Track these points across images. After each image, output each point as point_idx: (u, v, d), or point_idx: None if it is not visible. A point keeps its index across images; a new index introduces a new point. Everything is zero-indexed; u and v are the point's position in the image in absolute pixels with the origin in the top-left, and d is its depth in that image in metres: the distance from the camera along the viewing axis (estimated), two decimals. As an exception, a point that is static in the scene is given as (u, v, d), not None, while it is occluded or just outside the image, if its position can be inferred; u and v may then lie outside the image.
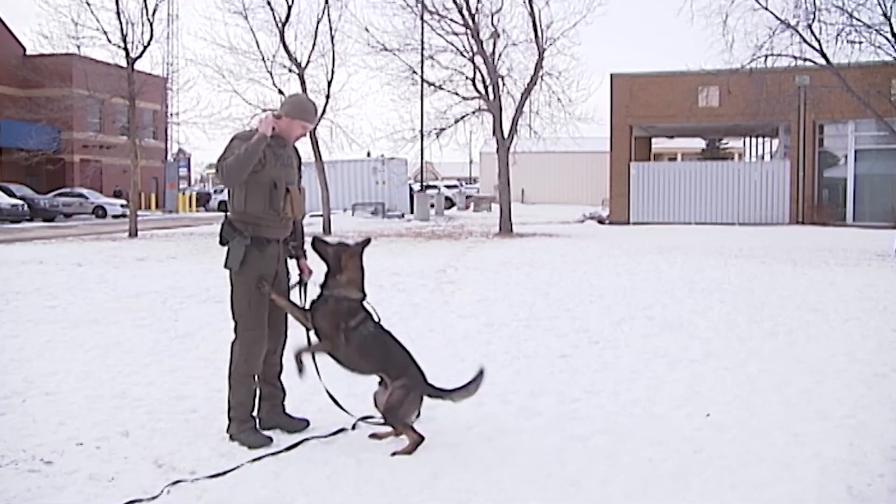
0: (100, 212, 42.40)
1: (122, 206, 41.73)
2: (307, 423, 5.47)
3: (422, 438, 5.10)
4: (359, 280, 5.27)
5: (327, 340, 5.17)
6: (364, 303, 5.27)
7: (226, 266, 5.26)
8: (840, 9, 20.05)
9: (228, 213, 5.34)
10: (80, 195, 43.18)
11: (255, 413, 5.34)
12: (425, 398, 5.25)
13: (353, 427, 5.45)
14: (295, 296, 5.48)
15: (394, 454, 4.99)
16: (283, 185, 5.26)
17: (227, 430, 5.25)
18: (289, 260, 5.54)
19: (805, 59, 21.54)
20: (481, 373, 5.29)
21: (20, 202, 37.62)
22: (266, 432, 5.28)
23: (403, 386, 5.13)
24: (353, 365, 5.23)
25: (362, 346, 5.17)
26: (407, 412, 5.13)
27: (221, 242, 5.29)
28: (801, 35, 20.65)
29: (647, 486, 4.51)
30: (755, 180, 32.64)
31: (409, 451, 5.04)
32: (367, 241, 5.41)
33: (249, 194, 5.21)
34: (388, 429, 5.23)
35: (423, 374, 5.27)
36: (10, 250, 19.83)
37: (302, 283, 5.54)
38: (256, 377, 5.33)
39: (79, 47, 26.64)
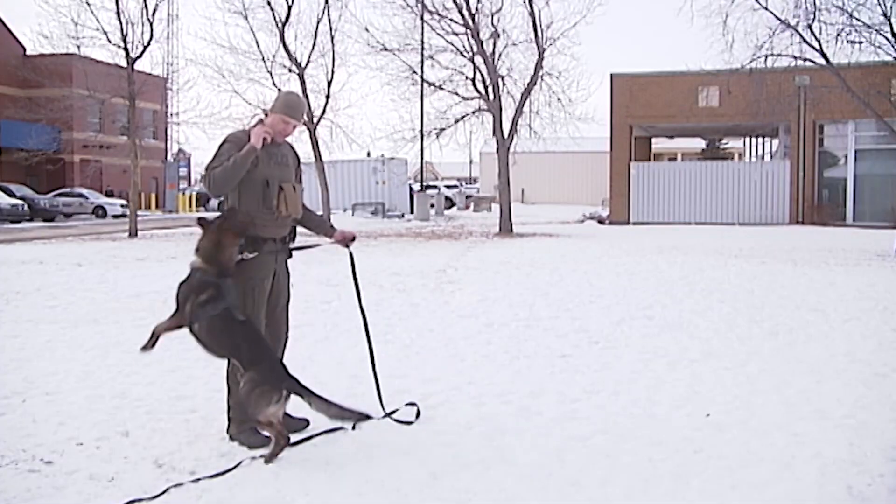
0: (100, 212, 42.38)
1: (122, 206, 41.73)
2: (307, 422, 5.46)
3: (287, 439, 4.91)
4: (212, 253, 4.96)
5: (178, 313, 4.94)
6: (221, 282, 4.96)
7: None
8: (840, 9, 20.08)
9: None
10: (80, 195, 43.16)
11: None
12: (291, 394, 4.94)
13: (354, 427, 5.45)
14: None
15: (260, 457, 4.84)
16: (275, 183, 5.24)
17: (227, 431, 5.25)
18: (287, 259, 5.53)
19: (805, 59, 21.56)
20: (363, 417, 5.20)
21: (20, 202, 37.61)
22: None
23: (250, 380, 4.86)
24: (207, 345, 4.98)
25: (210, 325, 4.91)
26: (256, 408, 4.85)
27: None
28: (801, 35, 20.66)
29: (647, 486, 4.50)
30: (755, 180, 32.65)
31: (273, 453, 4.84)
32: (244, 227, 5.10)
33: (243, 194, 5.22)
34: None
35: (281, 368, 5.00)
36: (10, 250, 19.82)
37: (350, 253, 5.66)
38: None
39: (79, 47, 26.68)
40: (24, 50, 46.47)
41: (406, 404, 5.82)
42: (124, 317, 9.86)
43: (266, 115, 5.44)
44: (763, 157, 43.80)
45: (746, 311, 10.21)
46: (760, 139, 43.91)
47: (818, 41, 20.46)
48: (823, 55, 20.63)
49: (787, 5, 22.74)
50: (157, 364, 7.33)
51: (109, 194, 47.11)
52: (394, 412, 5.70)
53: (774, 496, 4.37)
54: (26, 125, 36.96)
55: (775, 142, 39.57)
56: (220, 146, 5.24)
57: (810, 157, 31.66)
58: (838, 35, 20.29)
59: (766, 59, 21.58)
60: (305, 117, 26.66)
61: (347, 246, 5.67)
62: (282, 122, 5.32)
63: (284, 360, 5.53)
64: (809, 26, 20.43)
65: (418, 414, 5.68)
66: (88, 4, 25.11)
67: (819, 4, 20.24)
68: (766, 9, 21.29)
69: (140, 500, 4.26)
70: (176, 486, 4.45)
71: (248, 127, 5.45)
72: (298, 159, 5.66)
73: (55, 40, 26.78)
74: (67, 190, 43.93)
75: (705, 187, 33.12)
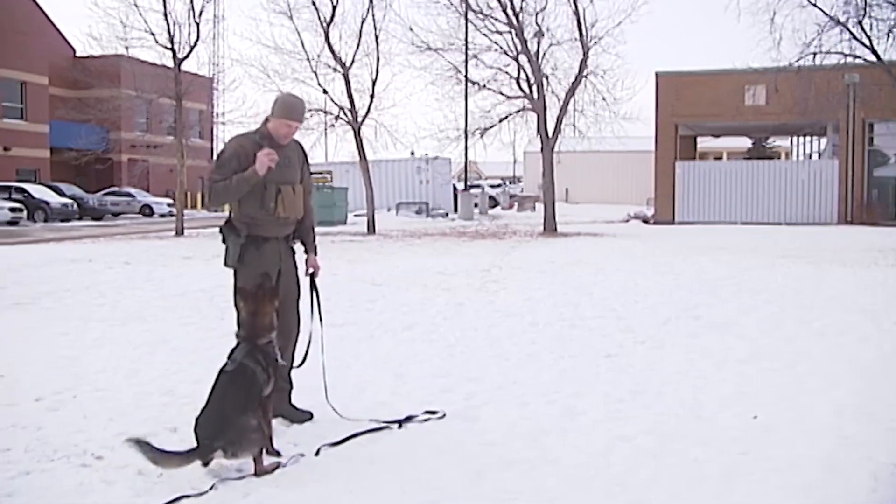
0: (147, 210, 43.03)
1: (168, 205, 42.32)
2: (310, 415, 5.57)
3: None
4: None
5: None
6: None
7: (225, 265, 5.45)
8: (892, 4, 19.80)
9: (231, 213, 5.51)
10: (128, 194, 43.86)
11: None
12: None
13: (400, 426, 5.47)
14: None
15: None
16: (273, 186, 5.33)
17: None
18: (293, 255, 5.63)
19: (855, 57, 21.27)
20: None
21: (70, 201, 38.28)
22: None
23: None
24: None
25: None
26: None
27: (223, 241, 5.49)
28: (850, 32, 20.40)
29: (693, 487, 4.47)
30: (803, 179, 32.21)
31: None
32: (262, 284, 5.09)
33: (244, 197, 5.35)
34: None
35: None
36: (60, 248, 20.15)
37: (312, 278, 5.70)
38: None
39: (127, 48, 27.11)
40: (75, 52, 47.23)
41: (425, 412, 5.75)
42: (171, 315, 9.98)
43: (268, 120, 5.50)
44: (810, 156, 43.19)
45: (794, 312, 10.06)
46: (808, 138, 43.28)
47: (868, 38, 20.21)
48: (874, 52, 20.35)
49: (837, 1, 22.39)
50: (204, 362, 7.40)
51: None
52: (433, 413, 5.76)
53: (823, 499, 4.31)
54: (76, 125, 37.63)
55: (823, 140, 39.01)
56: (222, 153, 5.41)
57: (859, 155, 31.14)
58: (889, 31, 20.03)
59: (814, 57, 21.33)
60: (350, 116, 26.97)
61: (308, 275, 5.71)
62: (285, 125, 5.40)
63: (307, 358, 5.61)
64: (860, 23, 20.16)
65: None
66: (136, 6, 25.47)
67: (869, 0, 19.95)
68: (815, 5, 21.07)
69: (188, 496, 4.31)
70: (223, 481, 4.50)
71: (255, 132, 5.47)
72: (306, 157, 5.73)
73: (104, 42, 27.22)
74: (115, 189, 44.61)
75: (751, 187, 32.72)
